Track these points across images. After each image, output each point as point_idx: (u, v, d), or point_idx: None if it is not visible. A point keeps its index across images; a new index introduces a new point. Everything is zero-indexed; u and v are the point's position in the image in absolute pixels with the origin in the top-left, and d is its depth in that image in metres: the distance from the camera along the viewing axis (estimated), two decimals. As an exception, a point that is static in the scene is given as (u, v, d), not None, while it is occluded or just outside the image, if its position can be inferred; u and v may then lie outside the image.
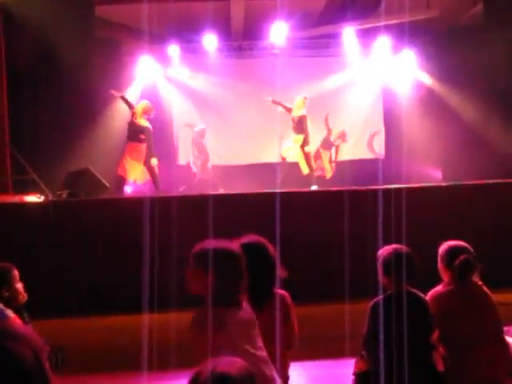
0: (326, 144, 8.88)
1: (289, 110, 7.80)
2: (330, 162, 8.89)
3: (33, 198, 5.78)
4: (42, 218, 5.03)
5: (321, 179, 8.28)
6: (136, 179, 7.25)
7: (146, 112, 7.19)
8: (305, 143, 7.60)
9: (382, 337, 2.36)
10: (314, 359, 3.20)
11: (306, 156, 7.61)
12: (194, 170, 8.85)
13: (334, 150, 8.94)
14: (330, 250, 5.02)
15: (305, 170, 7.63)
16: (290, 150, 7.77)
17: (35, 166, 6.50)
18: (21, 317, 2.95)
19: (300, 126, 7.59)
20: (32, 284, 3.56)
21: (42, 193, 5.97)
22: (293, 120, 7.70)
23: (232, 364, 1.29)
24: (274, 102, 7.99)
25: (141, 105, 7.30)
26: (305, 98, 7.74)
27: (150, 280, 3.73)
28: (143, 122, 7.14)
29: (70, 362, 3.52)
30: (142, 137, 7.03)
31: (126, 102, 7.33)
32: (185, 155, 9.51)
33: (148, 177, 7.20)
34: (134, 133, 7.07)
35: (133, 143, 7.07)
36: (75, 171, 6.33)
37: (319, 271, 5.08)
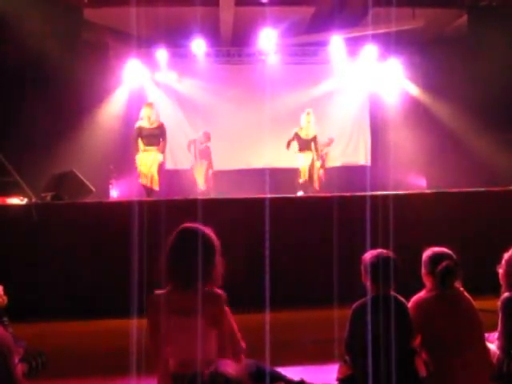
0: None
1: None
2: (319, 171, 8.88)
3: (15, 200, 5.70)
4: (25, 221, 4.96)
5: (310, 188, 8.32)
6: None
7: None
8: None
9: (363, 339, 2.37)
10: (297, 364, 3.19)
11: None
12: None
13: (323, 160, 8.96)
14: (316, 255, 5.04)
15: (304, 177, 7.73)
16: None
17: (18, 168, 6.42)
18: (0, 320, 2.90)
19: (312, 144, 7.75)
20: (13, 287, 3.51)
21: (24, 195, 5.89)
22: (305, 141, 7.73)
23: (229, 365, 1.31)
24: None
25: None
26: (308, 114, 7.75)
27: (137, 284, 3.70)
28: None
29: (52, 366, 3.47)
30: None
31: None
32: (171, 160, 9.47)
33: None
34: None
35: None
36: (59, 173, 6.26)
37: (304, 276, 5.08)
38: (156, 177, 7.02)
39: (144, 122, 7.02)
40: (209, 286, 2.18)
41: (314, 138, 7.80)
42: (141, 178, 7.03)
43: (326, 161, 9.06)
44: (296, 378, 2.80)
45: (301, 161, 7.81)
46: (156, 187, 7.05)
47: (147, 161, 6.97)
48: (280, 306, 3.22)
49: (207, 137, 8.64)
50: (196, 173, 8.51)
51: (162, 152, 7.10)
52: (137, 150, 7.01)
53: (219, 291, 2.20)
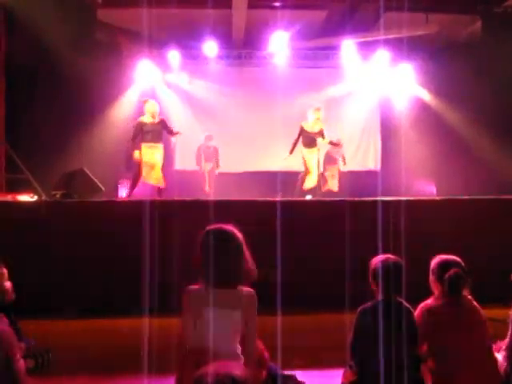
0: (331, 160, 8.67)
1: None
2: (339, 174, 8.64)
3: (26, 197, 5.76)
4: (35, 218, 5.00)
5: (328, 193, 8.09)
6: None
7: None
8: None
9: (368, 344, 2.35)
10: (303, 369, 3.18)
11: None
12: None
13: (340, 162, 8.70)
14: (326, 259, 5.02)
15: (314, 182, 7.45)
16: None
17: (30, 166, 6.49)
18: (7, 316, 2.92)
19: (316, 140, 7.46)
20: (22, 284, 3.54)
21: (35, 192, 5.95)
22: (311, 135, 7.43)
23: (234, 366, 1.30)
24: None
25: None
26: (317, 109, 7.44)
27: (147, 284, 3.72)
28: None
29: (58, 363, 3.50)
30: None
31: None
32: (181, 161, 9.52)
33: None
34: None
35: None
36: (70, 172, 6.31)
37: (310, 281, 5.07)
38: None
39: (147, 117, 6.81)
40: (244, 283, 2.27)
41: (321, 132, 7.43)
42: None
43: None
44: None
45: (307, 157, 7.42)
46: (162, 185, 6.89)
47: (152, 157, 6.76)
48: (288, 311, 3.20)
49: (209, 138, 8.71)
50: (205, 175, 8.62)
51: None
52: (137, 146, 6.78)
53: (253, 291, 2.27)
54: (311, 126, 7.44)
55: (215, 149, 8.77)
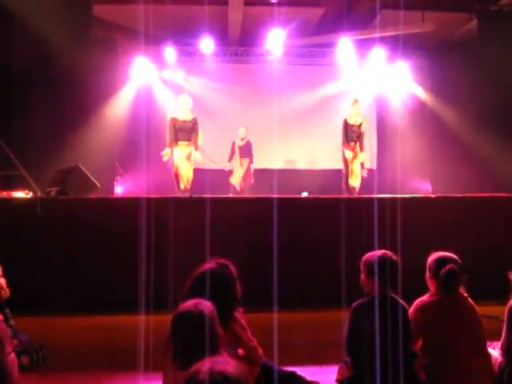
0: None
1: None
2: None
3: (21, 194, 5.73)
4: (30, 215, 4.98)
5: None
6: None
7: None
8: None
9: (363, 340, 2.36)
10: (298, 365, 3.19)
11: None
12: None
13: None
14: (322, 256, 5.03)
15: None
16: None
17: (25, 162, 6.45)
18: (2, 312, 2.91)
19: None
20: (16, 281, 3.53)
21: (30, 189, 5.92)
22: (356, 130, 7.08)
23: (228, 363, 1.29)
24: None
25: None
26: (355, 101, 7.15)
27: (143, 280, 3.71)
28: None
29: (53, 360, 3.49)
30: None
31: None
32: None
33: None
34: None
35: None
36: (65, 169, 6.29)
37: (309, 277, 5.08)
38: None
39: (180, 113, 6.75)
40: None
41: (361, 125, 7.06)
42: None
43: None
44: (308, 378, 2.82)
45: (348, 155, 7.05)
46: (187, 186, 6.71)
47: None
48: (285, 307, 3.22)
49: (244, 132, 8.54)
50: (234, 173, 8.40)
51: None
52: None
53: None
54: (354, 120, 7.12)
55: (248, 143, 8.55)
